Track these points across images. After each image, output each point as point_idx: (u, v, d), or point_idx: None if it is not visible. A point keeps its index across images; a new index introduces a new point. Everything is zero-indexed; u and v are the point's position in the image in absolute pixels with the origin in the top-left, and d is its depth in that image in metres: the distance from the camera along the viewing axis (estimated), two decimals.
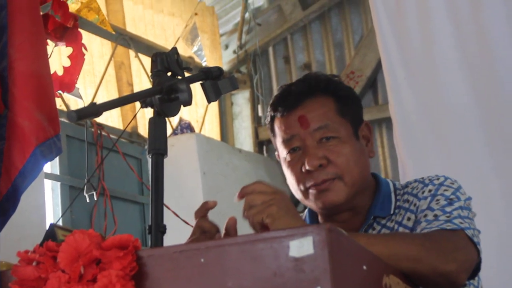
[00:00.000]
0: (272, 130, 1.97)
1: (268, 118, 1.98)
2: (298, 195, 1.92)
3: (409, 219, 1.86)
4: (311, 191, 1.88)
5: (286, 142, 1.91)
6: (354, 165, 1.87)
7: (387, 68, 3.40)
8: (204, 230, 1.72)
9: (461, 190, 1.85)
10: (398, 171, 3.42)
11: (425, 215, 1.80)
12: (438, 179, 1.87)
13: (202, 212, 1.72)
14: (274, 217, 1.55)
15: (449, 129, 3.25)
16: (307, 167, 1.85)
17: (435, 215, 1.77)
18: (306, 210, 2.03)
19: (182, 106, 1.66)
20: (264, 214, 1.55)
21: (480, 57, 3.23)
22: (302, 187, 1.89)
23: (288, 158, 1.91)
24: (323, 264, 1.19)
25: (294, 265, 1.21)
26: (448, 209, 1.78)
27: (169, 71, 1.69)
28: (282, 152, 1.93)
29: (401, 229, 1.86)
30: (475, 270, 1.79)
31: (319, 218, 1.98)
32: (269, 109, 1.97)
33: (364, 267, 1.33)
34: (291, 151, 1.90)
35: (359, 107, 1.99)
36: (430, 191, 1.84)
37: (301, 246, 1.21)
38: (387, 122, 5.32)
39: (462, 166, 3.17)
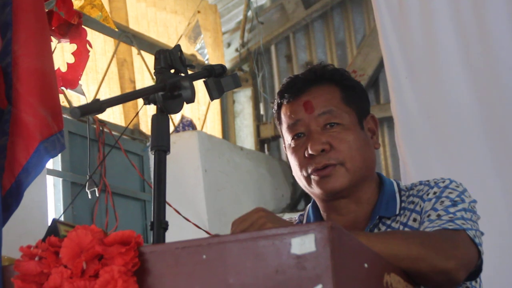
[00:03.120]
0: (279, 118, 1.98)
1: (275, 107, 1.99)
2: (301, 182, 1.92)
3: (414, 220, 1.85)
4: (313, 177, 1.88)
5: (291, 128, 1.92)
6: (356, 153, 1.88)
7: (389, 67, 3.40)
8: None
9: (466, 193, 1.85)
10: (399, 170, 3.43)
11: (428, 215, 1.80)
12: (443, 181, 1.87)
13: None
14: (267, 224, 1.55)
15: (451, 129, 3.25)
16: (309, 152, 1.86)
17: (438, 215, 1.78)
18: (309, 206, 2.02)
19: (185, 103, 1.66)
20: (256, 226, 1.55)
21: (482, 56, 3.23)
22: (304, 172, 1.89)
23: (293, 144, 1.92)
24: (325, 262, 1.20)
25: (296, 262, 1.21)
26: (451, 210, 1.78)
27: (172, 68, 1.70)
28: (287, 139, 1.94)
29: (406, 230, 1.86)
30: (477, 272, 1.79)
31: (322, 212, 1.97)
32: (276, 97, 1.99)
33: (366, 265, 1.33)
34: (295, 137, 1.91)
35: (365, 100, 2.00)
36: (435, 193, 1.84)
37: (303, 244, 1.21)
38: (389, 121, 5.32)
39: (463, 166, 3.17)
